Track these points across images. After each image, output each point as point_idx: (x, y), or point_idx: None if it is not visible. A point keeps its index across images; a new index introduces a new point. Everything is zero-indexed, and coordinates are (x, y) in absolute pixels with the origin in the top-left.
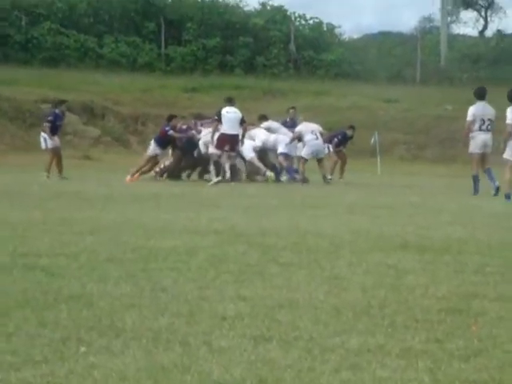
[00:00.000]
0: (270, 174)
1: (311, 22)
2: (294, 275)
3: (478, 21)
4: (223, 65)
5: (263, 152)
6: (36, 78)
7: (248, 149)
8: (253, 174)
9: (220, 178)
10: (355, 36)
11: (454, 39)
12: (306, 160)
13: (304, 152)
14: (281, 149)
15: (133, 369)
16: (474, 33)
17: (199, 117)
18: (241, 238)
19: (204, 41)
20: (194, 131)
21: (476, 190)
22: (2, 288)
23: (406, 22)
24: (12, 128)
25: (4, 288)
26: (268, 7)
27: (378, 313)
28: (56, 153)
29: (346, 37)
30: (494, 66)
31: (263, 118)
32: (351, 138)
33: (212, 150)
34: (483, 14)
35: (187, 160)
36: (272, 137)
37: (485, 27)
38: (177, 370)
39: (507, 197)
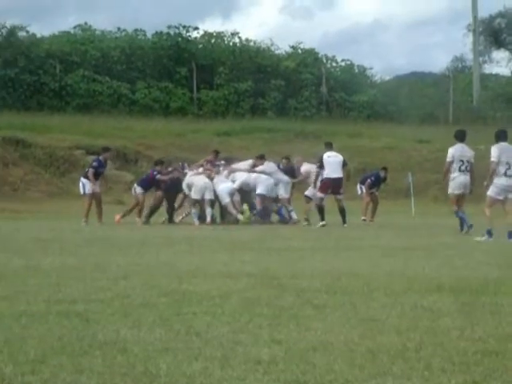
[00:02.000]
0: (240, 217)
1: (342, 63)
2: (329, 317)
3: (510, 60)
4: (255, 108)
5: (246, 192)
6: (69, 124)
7: (224, 193)
8: (229, 216)
9: (324, 222)
10: (387, 77)
11: (486, 79)
12: (310, 199)
13: (309, 192)
14: (259, 190)
15: None
16: (507, 72)
17: (229, 159)
18: (274, 281)
19: (236, 84)
20: (178, 173)
21: (467, 224)
22: (38, 335)
23: (438, 62)
24: (46, 175)
25: (40, 335)
26: (299, 50)
27: (414, 356)
28: (96, 198)
29: (377, 78)
30: None
31: (261, 158)
32: (385, 179)
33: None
34: None
35: (170, 201)
36: (253, 177)
37: None
38: None
39: (489, 233)
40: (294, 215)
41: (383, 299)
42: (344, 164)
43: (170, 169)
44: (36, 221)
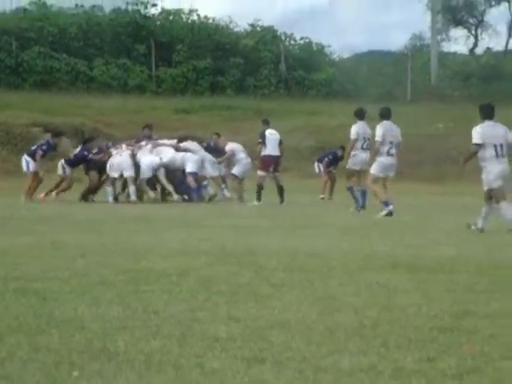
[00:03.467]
0: (152, 195)
1: (301, 41)
2: (286, 295)
3: (468, 38)
4: (214, 86)
5: (171, 171)
6: (27, 101)
7: (147, 168)
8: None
9: (260, 202)
10: (345, 55)
11: (444, 57)
12: (239, 179)
13: (236, 170)
14: (188, 168)
15: None
16: (465, 50)
17: (184, 139)
18: (231, 259)
19: (194, 62)
20: (105, 154)
21: (357, 201)
22: None
23: (396, 40)
24: (3, 152)
25: None
26: (258, 28)
27: (371, 333)
28: (37, 177)
29: (336, 56)
30: (485, 83)
31: (184, 139)
32: (342, 158)
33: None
34: (473, 31)
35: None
36: (179, 155)
37: (475, 45)
38: None
39: (386, 204)
40: (226, 193)
41: (340, 277)
42: (280, 142)
43: (95, 150)
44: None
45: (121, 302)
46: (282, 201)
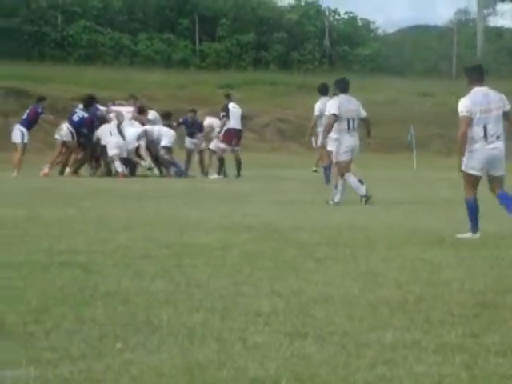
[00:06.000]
0: (144, 163)
1: (345, 16)
2: (329, 270)
3: None
4: (257, 61)
5: (150, 143)
6: (71, 75)
7: (133, 137)
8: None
9: (222, 176)
10: (390, 30)
11: (490, 32)
12: (217, 154)
13: (214, 145)
14: (164, 142)
15: (169, 365)
16: (511, 25)
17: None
18: (275, 234)
19: (238, 37)
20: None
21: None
22: (40, 285)
23: (442, 15)
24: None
25: (42, 285)
26: (302, 2)
27: (414, 308)
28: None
29: (380, 31)
30: None
31: (167, 115)
32: None
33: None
34: None
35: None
36: (156, 129)
37: None
38: (212, 366)
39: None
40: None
41: (384, 252)
42: (242, 116)
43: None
44: (36, 172)
45: (164, 275)
46: (238, 175)
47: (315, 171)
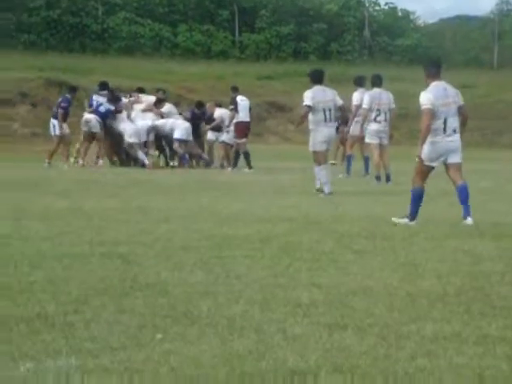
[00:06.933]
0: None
1: (386, 7)
2: (368, 262)
3: None
4: (297, 52)
5: (160, 137)
6: (111, 67)
7: (144, 131)
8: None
9: (252, 169)
10: (430, 21)
11: None
12: (230, 145)
13: (226, 137)
14: (177, 134)
15: (208, 356)
16: None
17: (162, 100)
18: (314, 226)
19: (278, 28)
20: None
21: (349, 171)
22: (80, 276)
23: (483, 5)
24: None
25: (82, 276)
26: None
27: (454, 300)
28: (65, 140)
29: (421, 22)
30: None
31: (160, 101)
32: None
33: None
34: None
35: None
36: (170, 121)
37: None
38: (252, 357)
39: (378, 178)
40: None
41: (423, 244)
42: (250, 108)
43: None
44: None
45: (204, 267)
46: (249, 167)
47: (333, 164)
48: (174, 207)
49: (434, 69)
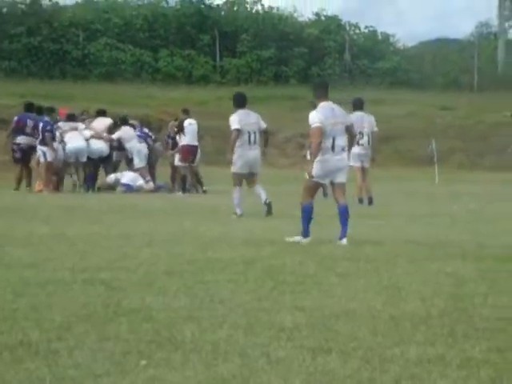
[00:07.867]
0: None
1: (366, 30)
2: (352, 285)
3: None
4: (278, 76)
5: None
6: (92, 93)
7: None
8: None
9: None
10: (410, 44)
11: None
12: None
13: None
14: (137, 164)
15: (193, 381)
16: None
17: (124, 120)
18: (297, 249)
19: (259, 52)
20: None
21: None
22: (63, 303)
23: (463, 28)
24: None
25: (65, 303)
26: (322, 17)
27: (438, 322)
28: (53, 166)
29: (401, 45)
30: None
31: (120, 124)
32: None
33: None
34: None
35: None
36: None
37: None
38: (236, 381)
39: (360, 200)
40: (151, 184)
41: (406, 266)
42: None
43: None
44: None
45: (187, 291)
46: (203, 191)
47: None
48: (156, 231)
49: (321, 89)
